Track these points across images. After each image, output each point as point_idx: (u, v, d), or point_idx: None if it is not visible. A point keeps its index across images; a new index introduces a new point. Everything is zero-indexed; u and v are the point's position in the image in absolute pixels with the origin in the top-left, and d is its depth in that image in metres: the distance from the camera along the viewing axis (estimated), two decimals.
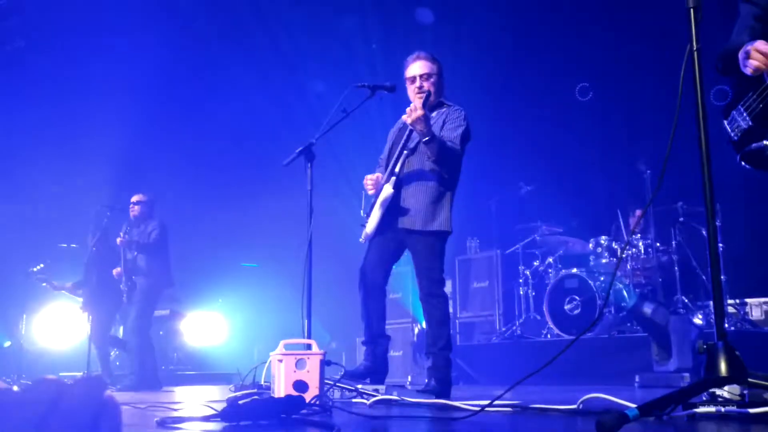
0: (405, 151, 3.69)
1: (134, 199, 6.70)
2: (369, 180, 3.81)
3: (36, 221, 8.85)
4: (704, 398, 1.84)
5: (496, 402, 2.25)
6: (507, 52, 8.43)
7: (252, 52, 9.23)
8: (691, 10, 1.96)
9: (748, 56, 2.17)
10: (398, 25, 8.47)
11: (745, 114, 2.27)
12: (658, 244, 6.22)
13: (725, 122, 2.35)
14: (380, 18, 8.56)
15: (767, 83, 2.21)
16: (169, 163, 9.76)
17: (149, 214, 6.70)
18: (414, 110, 3.42)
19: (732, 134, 2.32)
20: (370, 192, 3.79)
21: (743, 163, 2.30)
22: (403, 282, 7.27)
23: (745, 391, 1.80)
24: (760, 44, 2.15)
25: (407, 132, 3.67)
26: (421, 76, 3.77)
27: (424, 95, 3.60)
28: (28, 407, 0.53)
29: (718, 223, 5.75)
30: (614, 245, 6.49)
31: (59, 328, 8.78)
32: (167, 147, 9.81)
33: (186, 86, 9.57)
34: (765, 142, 2.18)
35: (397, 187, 3.67)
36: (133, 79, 8.95)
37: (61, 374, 7.61)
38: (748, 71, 2.18)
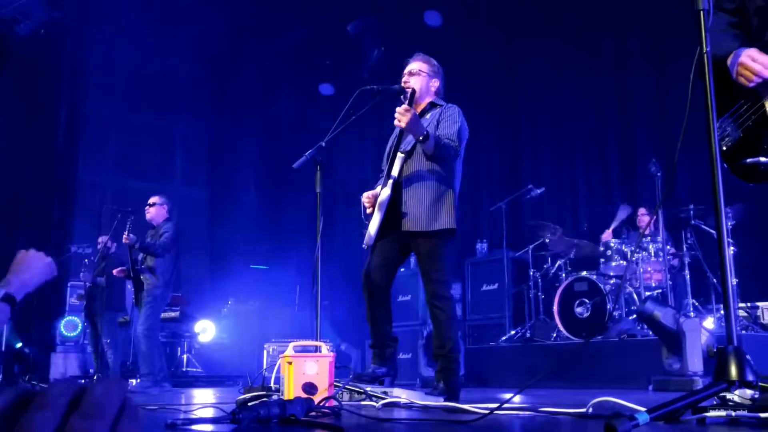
0: (400, 154, 3.70)
1: (150, 201, 6.72)
2: (366, 199, 3.82)
3: (47, 223, 8.91)
4: (715, 402, 1.83)
5: (506, 405, 2.25)
6: (518, 54, 8.43)
7: (260, 54, 9.26)
8: (701, 12, 1.95)
9: (742, 67, 2.14)
10: (407, 29, 8.48)
11: (734, 125, 2.24)
12: (668, 247, 6.19)
13: None
14: (389, 21, 8.58)
15: (763, 102, 2.17)
16: (178, 164, 9.82)
17: (165, 217, 6.70)
18: (403, 113, 3.39)
19: (721, 143, 2.29)
20: (369, 211, 3.78)
21: (735, 175, 2.27)
22: (412, 284, 7.26)
23: (756, 396, 1.79)
24: (754, 53, 2.14)
25: (399, 134, 3.68)
26: (409, 72, 3.80)
27: (408, 93, 3.57)
28: (47, 408, 0.53)
29: (729, 226, 5.71)
30: (624, 248, 6.47)
31: (71, 330, 8.81)
32: (176, 148, 9.87)
33: (196, 88, 9.62)
34: (762, 158, 2.15)
35: (397, 190, 3.67)
36: (141, 78, 9.02)
37: (71, 375, 7.67)
38: (749, 82, 2.15)
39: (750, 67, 2.11)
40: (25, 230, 8.63)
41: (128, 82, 9.03)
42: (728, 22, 2.36)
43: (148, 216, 6.68)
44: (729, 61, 2.19)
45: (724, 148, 2.27)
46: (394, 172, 3.69)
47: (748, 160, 2.18)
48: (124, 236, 6.31)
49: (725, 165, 2.28)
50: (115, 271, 6.72)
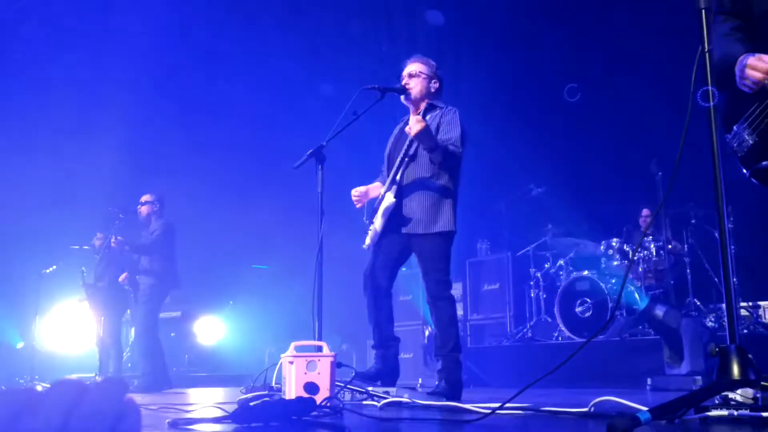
0: (406, 159, 3.71)
1: (141, 199, 6.73)
2: (355, 195, 3.86)
3: (48, 223, 8.91)
4: (717, 401, 1.82)
5: (507, 405, 2.25)
6: (518, 53, 8.41)
7: (263, 55, 9.26)
8: (702, 11, 1.94)
9: (745, 69, 2.12)
10: (409, 28, 8.47)
11: (750, 129, 2.23)
12: (670, 246, 6.19)
13: (727, 136, 2.30)
14: (390, 20, 8.57)
15: None
16: (180, 165, 9.81)
17: (157, 214, 6.71)
18: (414, 123, 3.42)
19: (737, 150, 2.27)
20: (358, 206, 3.85)
21: (753, 180, 2.26)
22: (413, 284, 7.26)
23: (758, 395, 1.79)
24: (754, 60, 2.12)
25: (408, 140, 3.69)
26: (409, 74, 3.80)
27: (411, 96, 3.70)
28: (49, 408, 0.53)
29: (730, 225, 5.71)
30: (626, 247, 6.46)
31: (71, 329, 8.83)
32: (178, 148, 9.87)
33: (198, 88, 9.62)
34: None
35: (399, 194, 3.69)
36: (144, 79, 9.01)
37: (73, 375, 7.67)
38: (747, 87, 2.14)
39: (758, 66, 2.09)
40: (24, 229, 8.63)
41: (128, 81, 9.03)
42: (732, 26, 2.33)
43: (140, 214, 6.69)
44: (736, 67, 2.17)
45: (740, 155, 2.26)
46: (398, 176, 3.71)
47: (764, 164, 2.18)
48: (112, 239, 6.31)
49: (745, 170, 2.27)
50: (120, 279, 6.73)
